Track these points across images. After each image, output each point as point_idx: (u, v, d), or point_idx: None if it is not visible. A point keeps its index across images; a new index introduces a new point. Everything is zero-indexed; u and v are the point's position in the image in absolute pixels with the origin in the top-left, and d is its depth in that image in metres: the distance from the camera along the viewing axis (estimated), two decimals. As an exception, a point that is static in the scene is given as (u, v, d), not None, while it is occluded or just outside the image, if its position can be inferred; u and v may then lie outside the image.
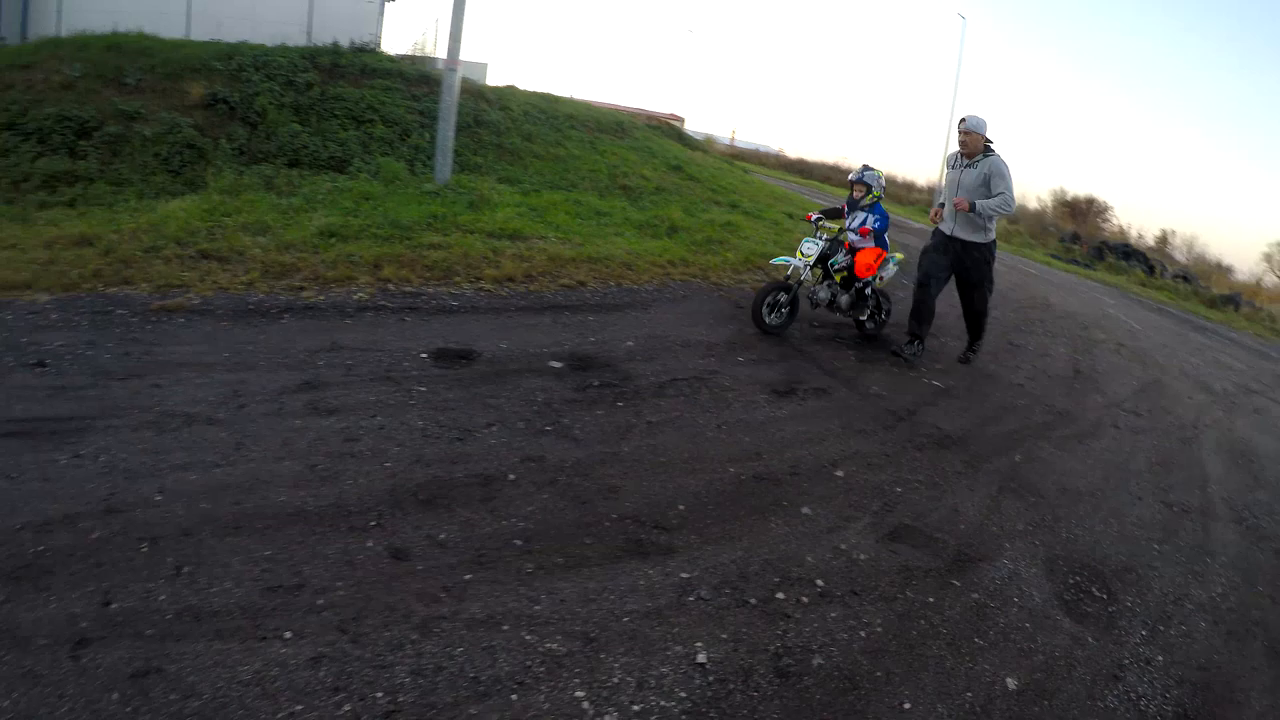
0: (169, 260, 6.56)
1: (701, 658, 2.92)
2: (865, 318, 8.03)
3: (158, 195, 9.12)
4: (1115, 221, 45.85)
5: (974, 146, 7.41)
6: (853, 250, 7.90)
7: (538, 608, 3.02)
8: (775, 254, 9.05)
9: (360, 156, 11.45)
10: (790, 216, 15.67)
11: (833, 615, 3.33)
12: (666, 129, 28.41)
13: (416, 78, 14.39)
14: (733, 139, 55.96)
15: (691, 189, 15.78)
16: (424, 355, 5.52)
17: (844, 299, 7.89)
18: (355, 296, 6.42)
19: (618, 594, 3.19)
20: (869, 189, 7.96)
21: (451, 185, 10.65)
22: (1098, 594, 4.00)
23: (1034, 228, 38.43)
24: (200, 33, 16.06)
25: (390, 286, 6.78)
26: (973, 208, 7.25)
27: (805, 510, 4.18)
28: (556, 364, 5.71)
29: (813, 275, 7.78)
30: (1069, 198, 47.68)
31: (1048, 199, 48.11)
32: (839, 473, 4.74)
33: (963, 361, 8.06)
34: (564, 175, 13.65)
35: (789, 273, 7.74)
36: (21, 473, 3.63)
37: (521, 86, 19.88)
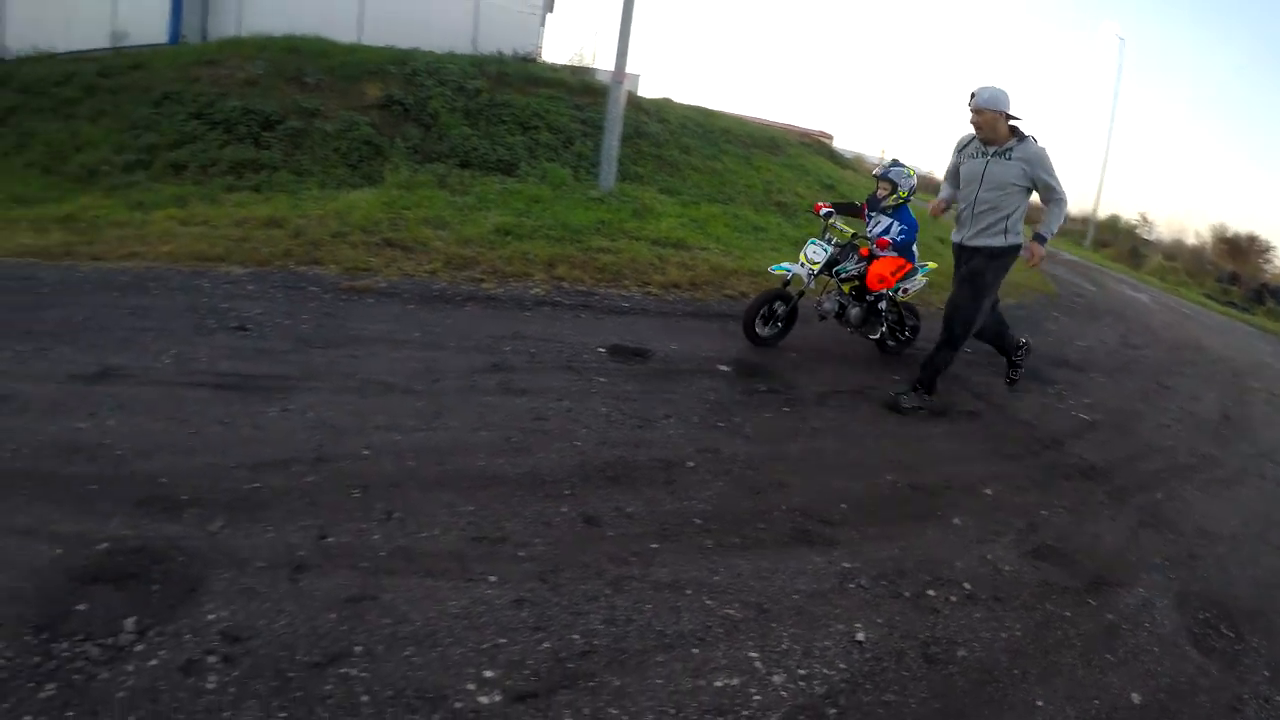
0: (355, 246, 7.02)
1: (860, 636, 3.15)
2: (878, 336, 6.98)
3: (338, 186, 9.74)
4: (1278, 263, 43.00)
5: (996, 130, 5.78)
6: (870, 258, 6.79)
7: (717, 578, 3.25)
8: (932, 279, 8.77)
9: (527, 161, 11.91)
10: (941, 241, 15.52)
11: (977, 615, 3.51)
12: (818, 146, 28.37)
13: (579, 88, 14.87)
14: (882, 158, 55.33)
15: (851, 212, 15.80)
16: (601, 350, 5.75)
17: (854, 312, 6.85)
18: (532, 292, 6.72)
19: (787, 574, 3.42)
20: (894, 188, 6.88)
21: (615, 193, 10.95)
22: (1225, 631, 3.99)
23: (1191, 265, 36.49)
24: (370, 38, 16.99)
25: (564, 285, 7.06)
26: (1043, 243, 6.01)
27: (956, 521, 4.36)
28: (725, 368, 5.89)
29: (817, 283, 6.83)
30: (1229, 234, 44.82)
31: (1206, 234, 45.30)
32: (988, 491, 4.88)
33: (915, 392, 6.15)
34: (720, 189, 13.81)
35: (789, 279, 6.76)
36: (234, 420, 4.13)
37: (675, 99, 20.29)
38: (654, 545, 3.42)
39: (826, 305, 6.91)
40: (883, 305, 6.88)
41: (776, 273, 6.85)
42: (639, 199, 10.92)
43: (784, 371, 6.10)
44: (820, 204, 7.07)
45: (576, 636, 2.77)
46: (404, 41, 15.79)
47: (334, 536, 3.16)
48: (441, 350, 5.26)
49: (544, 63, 16.61)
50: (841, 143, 44.86)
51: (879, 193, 6.99)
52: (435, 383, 4.77)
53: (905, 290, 7.00)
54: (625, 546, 3.38)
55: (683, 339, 6.32)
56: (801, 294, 6.77)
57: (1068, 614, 3.71)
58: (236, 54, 13.30)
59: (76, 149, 11.71)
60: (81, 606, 2.70)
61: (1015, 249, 5.94)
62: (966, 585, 3.70)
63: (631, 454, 4.26)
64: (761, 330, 6.66)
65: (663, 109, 16.77)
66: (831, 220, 6.87)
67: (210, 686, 2.38)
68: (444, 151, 11.42)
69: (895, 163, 7.04)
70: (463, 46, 17.00)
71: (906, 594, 3.50)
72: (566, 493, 3.74)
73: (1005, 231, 5.86)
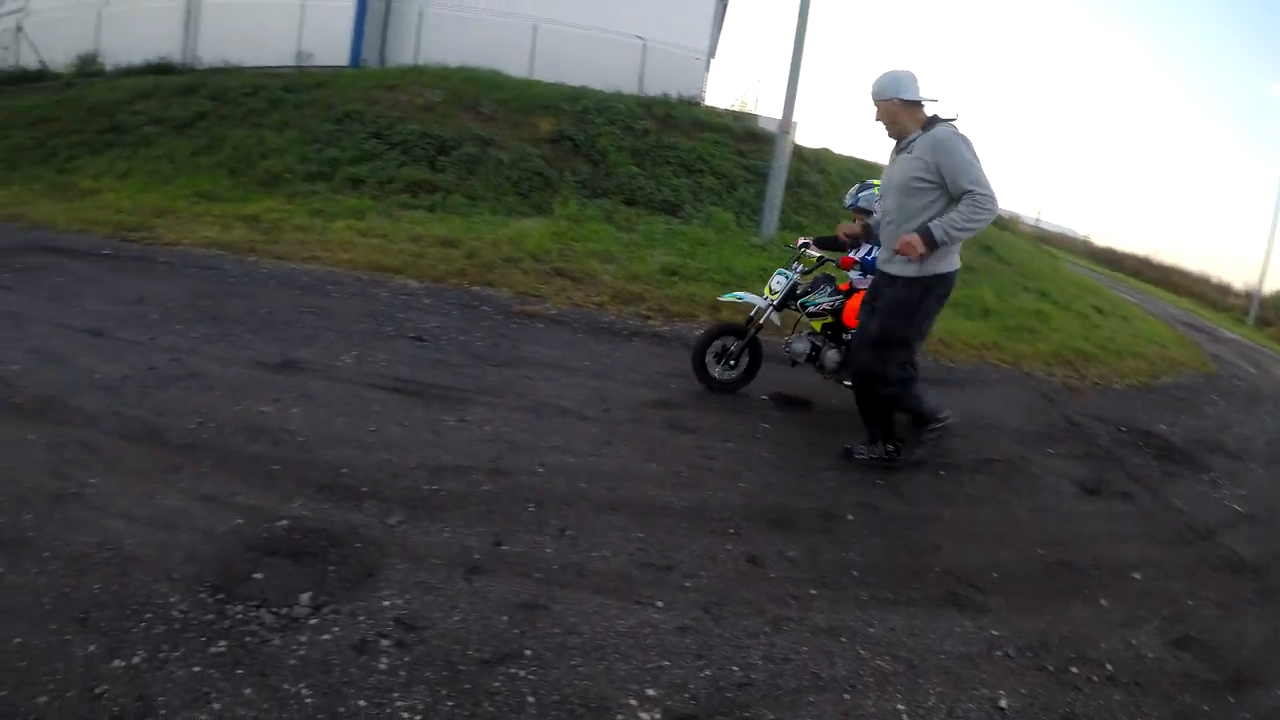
0: (526, 272, 7.32)
1: (1003, 703, 3.10)
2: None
3: (509, 213, 10.19)
4: None
5: (897, 122, 4.65)
6: (850, 292, 5.84)
7: (871, 630, 3.26)
8: (1088, 350, 8.38)
9: (691, 203, 12.16)
10: (1100, 311, 15.04)
11: (1116, 698, 3.41)
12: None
13: (742, 134, 15.13)
14: (1038, 219, 53.41)
15: (1001, 272, 15.45)
16: (764, 397, 5.81)
17: (830, 355, 5.81)
18: (697, 333, 6.82)
19: (937, 634, 3.39)
20: (867, 217, 5.81)
21: (776, 241, 11.06)
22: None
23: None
24: (541, 73, 17.73)
25: (729, 329, 7.19)
26: (929, 240, 4.42)
27: (1103, 602, 4.23)
28: None
29: (784, 319, 6.01)
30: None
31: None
32: (1136, 575, 4.70)
33: (853, 456, 5.09)
34: (877, 244, 13.73)
35: (752, 314, 5.79)
36: (413, 424, 4.41)
37: (834, 149, 20.30)
38: (812, 591, 3.45)
39: (797, 346, 5.88)
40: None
41: (726, 300, 6.11)
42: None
43: (942, 434, 6.07)
44: (800, 239, 6.08)
45: (736, 668, 2.83)
46: (573, 79, 16.37)
47: (509, 545, 3.31)
48: (611, 381, 5.43)
49: (708, 107, 16.97)
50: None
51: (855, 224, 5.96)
52: (606, 411, 4.94)
53: None
54: (785, 589, 3.42)
55: (841, 393, 6.30)
56: (758, 329, 5.78)
57: (1206, 708, 3.56)
58: (416, 81, 14.07)
59: (262, 155, 12.57)
60: (258, 575, 2.93)
61: (936, 280, 4.64)
62: (1109, 667, 3.60)
63: (793, 501, 4.31)
64: (715, 370, 5.79)
65: (823, 159, 16.86)
66: (804, 250, 5.95)
67: (382, 667, 2.52)
68: (611, 188, 11.79)
69: (863, 185, 6.00)
70: (629, 87, 17.49)
71: (1050, 668, 3.43)
72: (731, 531, 3.81)
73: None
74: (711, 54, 22.53)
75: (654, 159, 12.97)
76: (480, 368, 5.30)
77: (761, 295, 5.77)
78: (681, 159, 13.24)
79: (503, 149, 11.84)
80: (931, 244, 4.41)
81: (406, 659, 2.57)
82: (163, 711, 2.27)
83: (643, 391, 5.39)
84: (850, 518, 4.27)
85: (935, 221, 4.43)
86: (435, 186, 10.85)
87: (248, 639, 2.57)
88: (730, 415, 5.32)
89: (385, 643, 2.63)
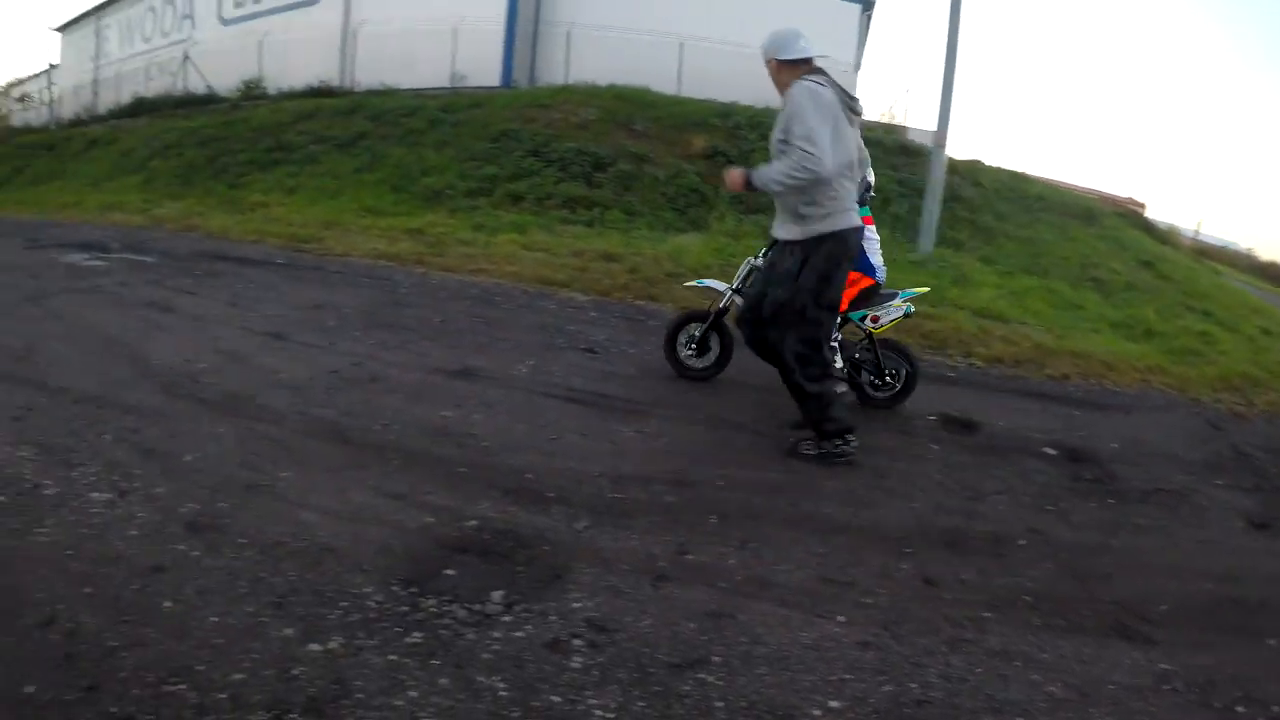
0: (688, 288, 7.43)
1: None
2: (842, 378, 5.36)
3: (666, 229, 10.38)
4: None
5: (778, 82, 4.53)
6: None
7: (1043, 655, 3.20)
8: (1257, 376, 7.97)
9: (847, 219, 11.98)
10: (1268, 333, 14.26)
11: None
12: (1132, 217, 26.79)
13: (894, 147, 14.98)
14: (1197, 231, 50.10)
15: (1163, 289, 14.75)
16: (932, 418, 5.76)
17: None
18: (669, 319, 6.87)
19: (1106, 664, 3.32)
20: None
21: (934, 258, 10.91)
22: None
23: None
24: (688, 90, 17.94)
25: (891, 348, 7.15)
26: (747, 181, 4.48)
27: (1271, 642, 3.99)
28: (1050, 451, 5.72)
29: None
30: None
31: None
32: None
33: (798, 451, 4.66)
34: (1035, 260, 13.34)
35: (723, 302, 5.64)
36: (591, 433, 4.57)
37: (986, 161, 19.81)
38: (986, 614, 3.41)
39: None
40: (836, 340, 5.42)
41: (691, 287, 6.16)
42: (958, 266, 10.82)
43: (1106, 461, 5.87)
44: None
45: (915, 685, 2.82)
46: (721, 94, 16.47)
47: (693, 554, 3.38)
48: (781, 396, 5.39)
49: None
50: (1154, 212, 39.33)
51: None
52: (780, 428, 4.97)
53: (876, 320, 5.54)
54: (960, 610, 3.39)
55: (1008, 416, 6.22)
56: (720, 314, 5.66)
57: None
58: (569, 100, 14.48)
59: (422, 173, 13.14)
60: (450, 571, 3.08)
61: (825, 238, 4.36)
62: (1275, 709, 3.44)
63: (965, 523, 4.26)
64: (686, 355, 5.71)
65: (976, 172, 16.53)
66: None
67: (575, 666, 2.61)
68: (766, 203, 11.62)
69: None
70: (778, 100, 17.48)
71: (1217, 705, 3.27)
72: (907, 550, 3.80)
73: (798, 216, 4.41)
74: (857, 65, 22.34)
75: (806, 173, 12.83)
76: (652, 381, 5.45)
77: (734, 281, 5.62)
78: (835, 174, 13.03)
79: (657, 165, 12.07)
80: (749, 185, 4.46)
81: (599, 659, 2.65)
82: (359, 695, 2.41)
83: None
84: (1021, 543, 4.21)
85: (761, 166, 4.43)
86: (593, 202, 11.18)
87: (442, 632, 2.70)
88: (899, 435, 5.29)
89: (578, 642, 2.72)
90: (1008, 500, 4.71)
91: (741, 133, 13.39)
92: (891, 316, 5.52)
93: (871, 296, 5.53)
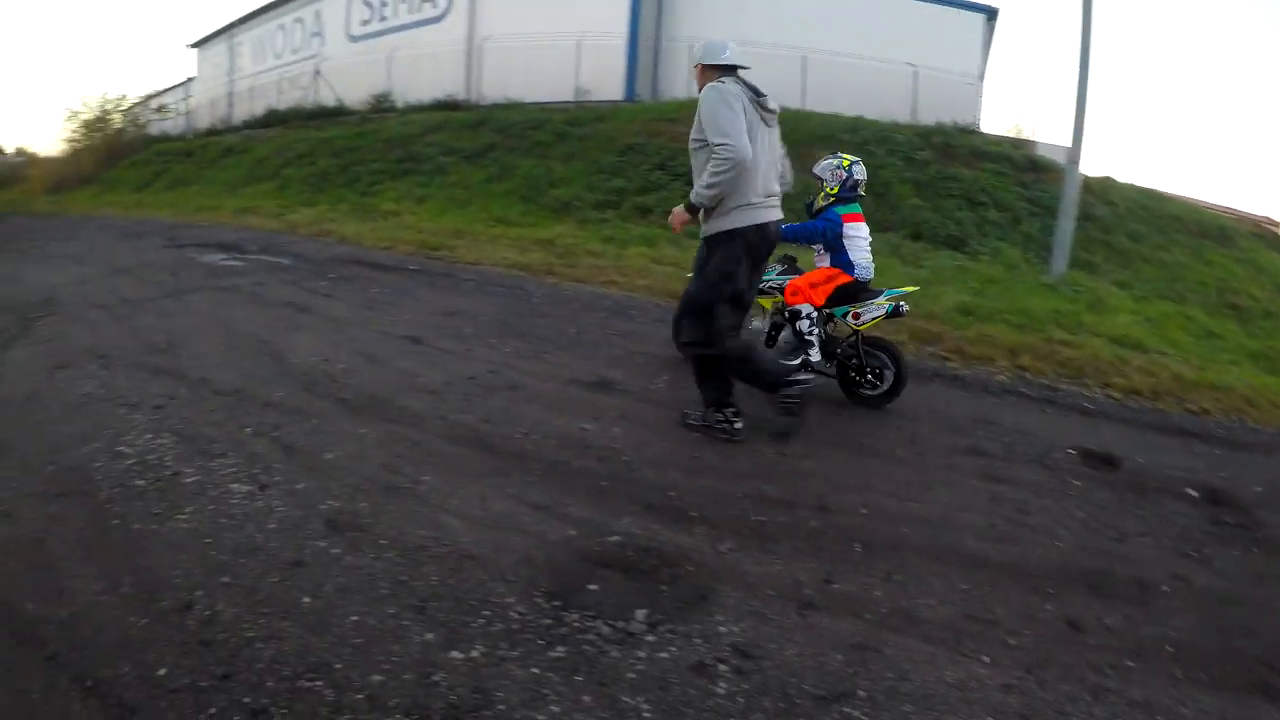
0: (819, 307, 7.41)
1: None
2: (798, 362, 5.48)
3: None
4: None
5: (700, 86, 4.66)
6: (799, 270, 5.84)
7: (1184, 710, 3.07)
8: None
9: (976, 238, 11.89)
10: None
11: None
12: (1269, 238, 25.45)
13: (1023, 163, 14.57)
14: None
15: (1305, 315, 14.09)
16: (1071, 451, 5.60)
17: (784, 335, 5.82)
18: (997, 378, 6.70)
19: None
20: (822, 185, 5.86)
21: (1066, 281, 10.60)
22: None
23: None
24: (813, 104, 17.86)
25: (1027, 375, 6.95)
26: (689, 207, 4.60)
27: None
28: (1192, 492, 5.49)
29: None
30: None
31: None
32: None
33: (685, 422, 4.97)
34: (1171, 284, 12.87)
35: None
36: (733, 454, 4.59)
37: (1117, 178, 19.06)
38: (1129, 662, 3.28)
39: (754, 325, 5.92)
40: (803, 325, 5.59)
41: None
42: (1091, 290, 10.48)
43: (1250, 506, 5.60)
44: None
45: None
46: (845, 108, 16.36)
47: (839, 584, 3.34)
48: (919, 424, 5.40)
49: (985, 134, 16.48)
50: (1287, 229, 37.74)
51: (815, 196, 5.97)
52: (919, 455, 4.91)
53: (858, 316, 5.59)
54: (1103, 657, 3.27)
55: (1148, 452, 6.00)
56: None
57: None
58: (694, 114, 14.55)
59: (550, 184, 13.41)
60: (593, 586, 3.10)
61: (727, 234, 4.54)
62: None
63: (1109, 565, 4.11)
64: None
65: (1108, 190, 15.91)
66: None
67: (720, 691, 2.60)
68: (896, 222, 11.72)
69: (833, 155, 6.11)
70: (901, 115, 17.25)
71: None
72: (1050, 591, 3.68)
73: (708, 212, 4.57)
74: (981, 76, 21.92)
75: (936, 191, 12.80)
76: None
77: None
78: (964, 191, 12.98)
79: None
80: (692, 211, 4.58)
81: (744, 686, 2.64)
82: (500, 706, 2.44)
83: (952, 438, 5.31)
84: (1165, 589, 4.04)
85: (692, 192, 4.54)
86: (713, 218, 11.14)
87: (585, 648, 2.73)
88: (1040, 469, 5.15)
89: (723, 668, 2.72)
90: (1150, 543, 4.55)
91: (870, 148, 13.20)
92: (873, 314, 5.56)
93: (857, 294, 5.64)
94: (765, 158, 4.64)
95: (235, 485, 4.01)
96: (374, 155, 19.05)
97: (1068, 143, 11.46)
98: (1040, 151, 15.83)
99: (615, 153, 14.27)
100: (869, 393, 5.68)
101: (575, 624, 2.85)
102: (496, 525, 3.55)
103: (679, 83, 20.47)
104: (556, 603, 2.97)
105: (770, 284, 5.83)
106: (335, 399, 5.27)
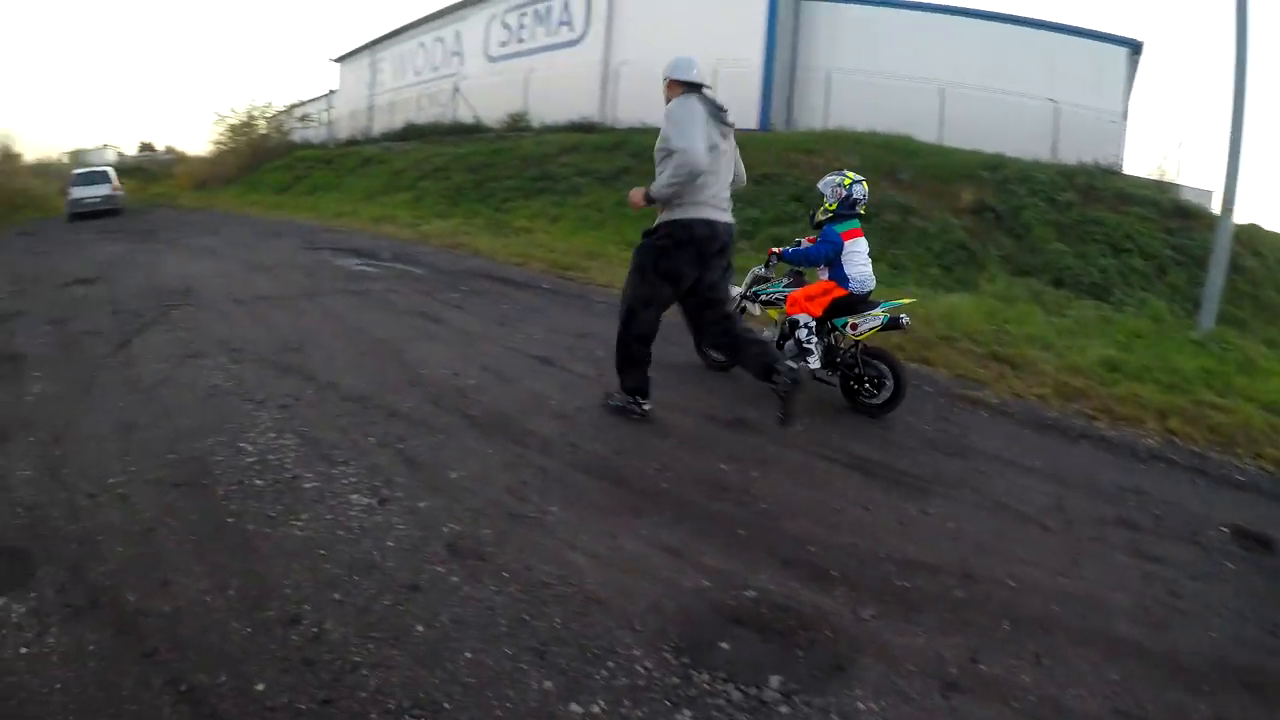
0: (963, 353, 7.19)
1: None
2: (812, 371, 5.86)
3: (932, 286, 10.09)
4: None
5: (667, 100, 5.31)
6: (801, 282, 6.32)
7: None
8: None
9: (1120, 287, 11.43)
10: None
11: None
12: None
13: (1170, 208, 13.93)
14: None
15: None
16: (1224, 529, 5.27)
17: (787, 344, 6.04)
18: (1145, 442, 6.38)
19: None
20: (822, 200, 6.18)
21: (1214, 337, 10.07)
22: None
23: None
24: (950, 138, 17.57)
25: (1176, 440, 6.56)
26: (648, 198, 5.19)
27: None
28: None
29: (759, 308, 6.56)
30: None
31: None
32: None
33: (608, 403, 5.61)
34: (1328, 346, 12.13)
35: (737, 304, 6.38)
36: (875, 508, 4.38)
37: (1263, 225, 17.94)
38: None
39: (765, 334, 6.19)
40: (801, 334, 5.94)
41: None
42: (1241, 349, 9.88)
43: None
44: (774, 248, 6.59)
45: None
46: (983, 144, 16.00)
47: (985, 664, 3.14)
48: (1065, 487, 5.12)
49: (1128, 176, 15.86)
50: None
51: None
52: (1067, 524, 4.63)
53: (855, 326, 5.84)
54: None
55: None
56: (739, 313, 6.21)
57: None
58: (831, 146, 14.46)
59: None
60: (725, 645, 2.99)
61: (673, 223, 5.14)
62: None
63: (1267, 662, 3.78)
64: (713, 353, 6.58)
65: (1255, 239, 15.09)
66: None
67: None
68: (1036, 266, 11.37)
69: (837, 172, 6.31)
70: (1041, 152, 16.77)
71: None
72: (1204, 688, 3.38)
73: (664, 206, 5.22)
74: (1124, 114, 21.17)
75: (1079, 235, 12.36)
76: (932, 454, 5.21)
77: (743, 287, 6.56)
78: (1107, 236, 12.49)
79: (924, 218, 11.85)
80: (649, 199, 5.19)
81: None
82: None
83: (1099, 506, 5.00)
84: None
85: (653, 187, 5.13)
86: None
87: (714, 713, 2.62)
88: (1192, 546, 4.81)
89: None
90: (1308, 640, 4.26)
91: (1011, 187, 12.89)
92: (870, 324, 5.81)
93: (856, 305, 5.93)
94: (721, 166, 5.25)
95: (355, 496, 4.03)
96: (509, 173, 19.47)
97: (1213, 186, 10.95)
98: (1185, 195, 15.16)
99: (750, 182, 13.96)
100: (868, 401, 5.89)
101: (705, 685, 2.76)
102: (626, 567, 3.47)
103: (815, 113, 20.40)
104: (686, 659, 2.88)
105: (775, 296, 6.35)
106: (463, 415, 5.29)
